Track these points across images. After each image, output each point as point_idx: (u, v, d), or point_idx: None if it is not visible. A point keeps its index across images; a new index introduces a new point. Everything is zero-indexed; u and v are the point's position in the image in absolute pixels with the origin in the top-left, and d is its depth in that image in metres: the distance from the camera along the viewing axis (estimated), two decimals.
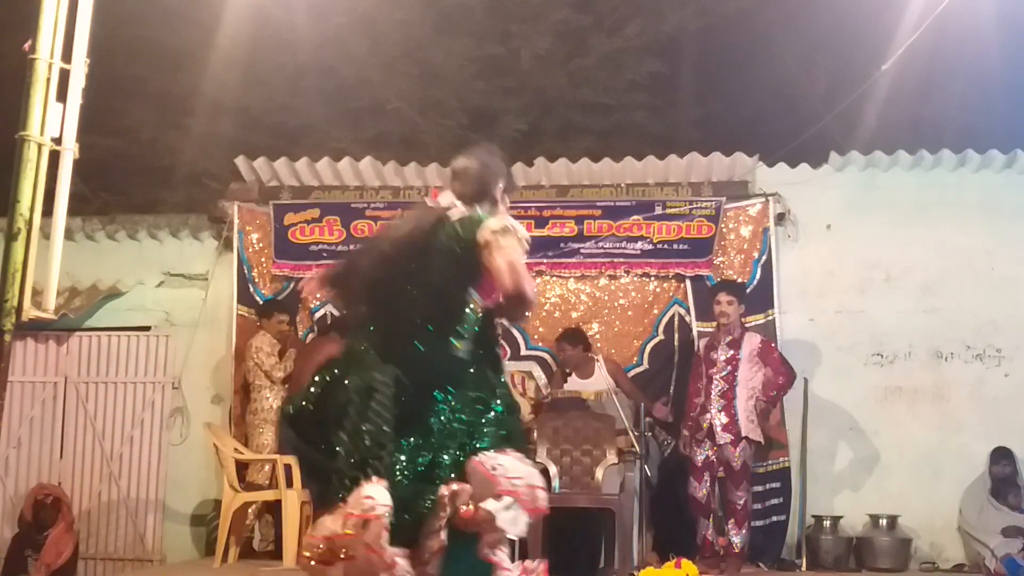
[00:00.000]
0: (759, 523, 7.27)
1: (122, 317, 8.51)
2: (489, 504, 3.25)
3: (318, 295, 7.46)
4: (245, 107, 11.07)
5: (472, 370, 3.47)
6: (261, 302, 8.09)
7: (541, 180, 8.17)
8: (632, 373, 7.77)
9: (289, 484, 7.01)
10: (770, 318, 7.70)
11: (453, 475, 3.31)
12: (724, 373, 6.96)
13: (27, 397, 8.41)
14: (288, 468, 7.05)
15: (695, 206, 7.86)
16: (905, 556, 7.29)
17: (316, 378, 3.53)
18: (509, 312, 3.56)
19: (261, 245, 8.26)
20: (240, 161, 8.39)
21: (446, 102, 11.42)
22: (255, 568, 6.85)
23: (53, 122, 4.92)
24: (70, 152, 5.01)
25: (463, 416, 3.39)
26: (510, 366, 7.43)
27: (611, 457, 6.63)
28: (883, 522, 7.32)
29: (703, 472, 6.90)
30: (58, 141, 4.95)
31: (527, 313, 3.58)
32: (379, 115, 11.28)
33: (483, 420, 3.42)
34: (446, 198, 3.61)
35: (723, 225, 7.86)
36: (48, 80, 4.91)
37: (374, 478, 3.19)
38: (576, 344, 7.30)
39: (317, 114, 11.20)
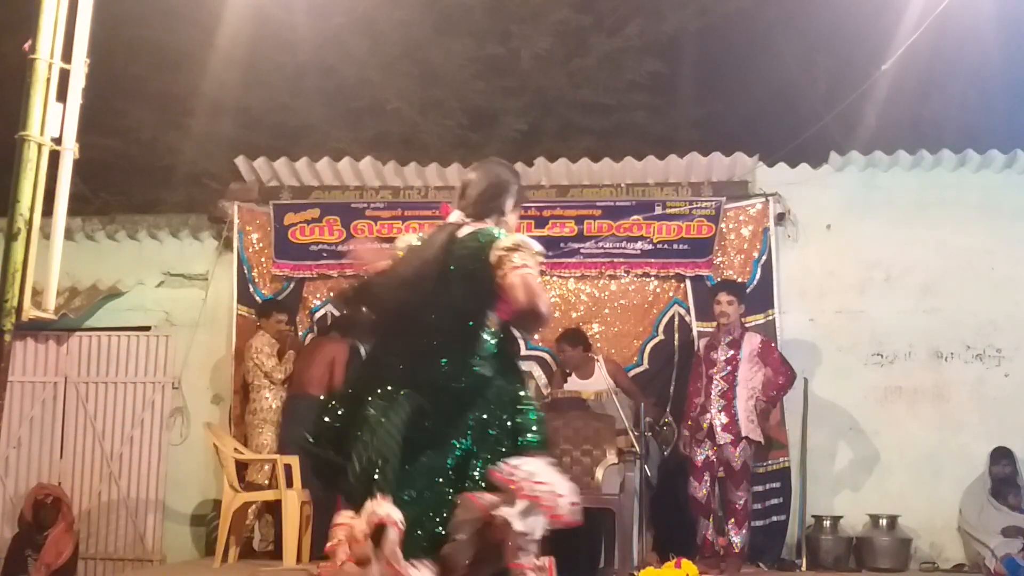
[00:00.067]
0: (759, 523, 7.27)
1: (122, 317, 8.51)
2: (504, 510, 3.25)
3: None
4: (245, 107, 11.08)
5: (496, 384, 3.46)
6: (261, 302, 8.09)
7: (541, 180, 8.17)
8: (632, 373, 7.77)
9: (289, 484, 7.01)
10: (770, 318, 7.70)
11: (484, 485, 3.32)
12: (724, 373, 6.96)
13: (27, 397, 8.41)
14: (288, 468, 7.06)
15: (695, 206, 7.86)
16: (905, 556, 7.29)
17: (334, 400, 3.56)
18: (522, 324, 3.55)
19: (261, 245, 8.26)
20: (240, 161, 8.39)
21: (446, 102, 11.42)
22: (255, 568, 6.85)
23: (53, 122, 4.92)
24: (70, 152, 5.00)
25: (491, 431, 3.39)
26: None
27: (611, 457, 6.63)
28: (883, 522, 7.32)
29: (703, 472, 6.90)
30: (58, 141, 4.95)
31: (541, 327, 3.58)
32: (379, 115, 11.28)
33: (510, 431, 3.41)
34: (456, 215, 3.61)
35: (723, 225, 7.86)
36: (48, 80, 4.91)
37: (379, 495, 3.19)
38: (576, 344, 7.30)
39: (317, 114, 11.20)
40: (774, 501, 7.51)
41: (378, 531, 3.13)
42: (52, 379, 8.46)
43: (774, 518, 7.50)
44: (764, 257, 7.82)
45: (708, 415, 6.91)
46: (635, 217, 7.88)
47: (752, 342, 7.04)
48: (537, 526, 3.30)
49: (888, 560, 7.21)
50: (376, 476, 3.23)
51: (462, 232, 3.52)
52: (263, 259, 8.25)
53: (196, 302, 8.35)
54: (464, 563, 3.25)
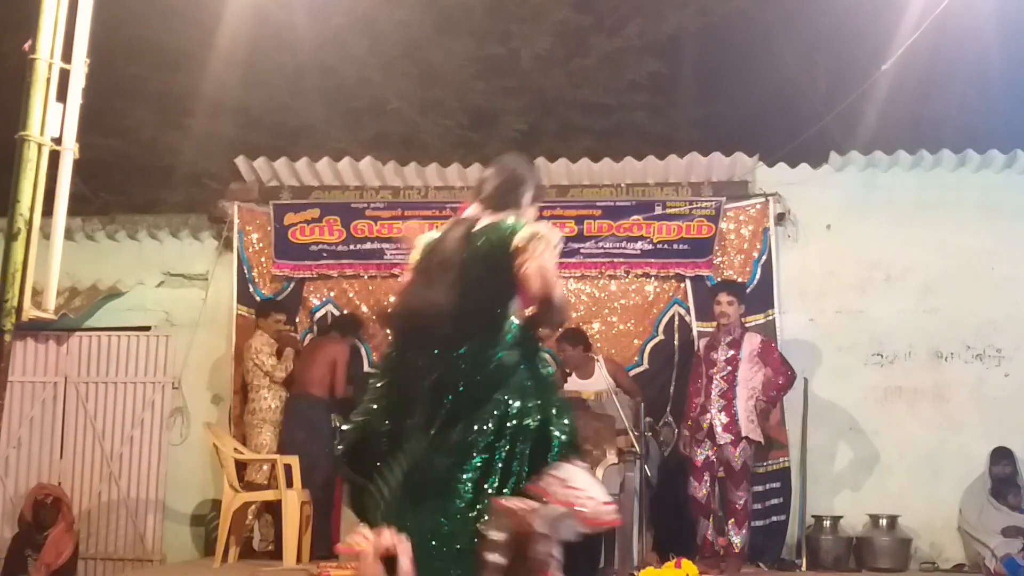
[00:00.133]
0: (759, 523, 7.27)
1: (122, 317, 8.51)
2: (538, 520, 3.25)
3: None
4: (245, 107, 11.08)
5: (523, 379, 3.45)
6: (259, 302, 8.08)
7: (541, 180, 8.15)
8: (632, 373, 7.77)
9: (289, 484, 7.02)
10: (770, 318, 7.70)
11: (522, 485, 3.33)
12: (724, 373, 6.96)
13: (27, 397, 8.40)
14: (288, 468, 7.06)
15: (695, 206, 7.86)
16: (905, 556, 7.29)
17: (359, 418, 3.54)
18: (542, 319, 3.56)
19: (261, 245, 8.26)
20: (240, 161, 8.39)
21: (446, 102, 11.42)
22: (255, 568, 6.85)
23: (53, 122, 4.91)
24: (70, 152, 5.00)
25: (516, 422, 3.37)
26: None
27: (611, 457, 6.62)
28: (883, 522, 7.32)
29: (703, 472, 6.90)
30: (58, 141, 4.95)
31: (560, 320, 3.58)
32: (379, 115, 11.28)
33: (539, 428, 3.40)
34: (473, 209, 3.61)
35: (723, 225, 7.86)
36: (48, 80, 4.91)
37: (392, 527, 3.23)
38: (576, 344, 7.30)
39: (317, 114, 11.21)
40: (774, 501, 7.51)
41: (390, 561, 3.14)
42: (52, 379, 8.46)
43: (774, 518, 7.50)
44: (764, 257, 7.82)
45: (708, 415, 6.91)
46: (635, 217, 7.88)
47: (752, 342, 7.04)
48: (570, 532, 3.32)
49: (888, 560, 7.21)
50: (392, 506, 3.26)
51: (479, 225, 3.53)
52: (263, 259, 8.24)
53: (196, 302, 8.35)
54: None
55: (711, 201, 7.87)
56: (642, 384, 7.68)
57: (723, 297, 7.07)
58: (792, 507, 7.52)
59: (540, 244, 3.39)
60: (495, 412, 3.35)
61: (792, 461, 7.59)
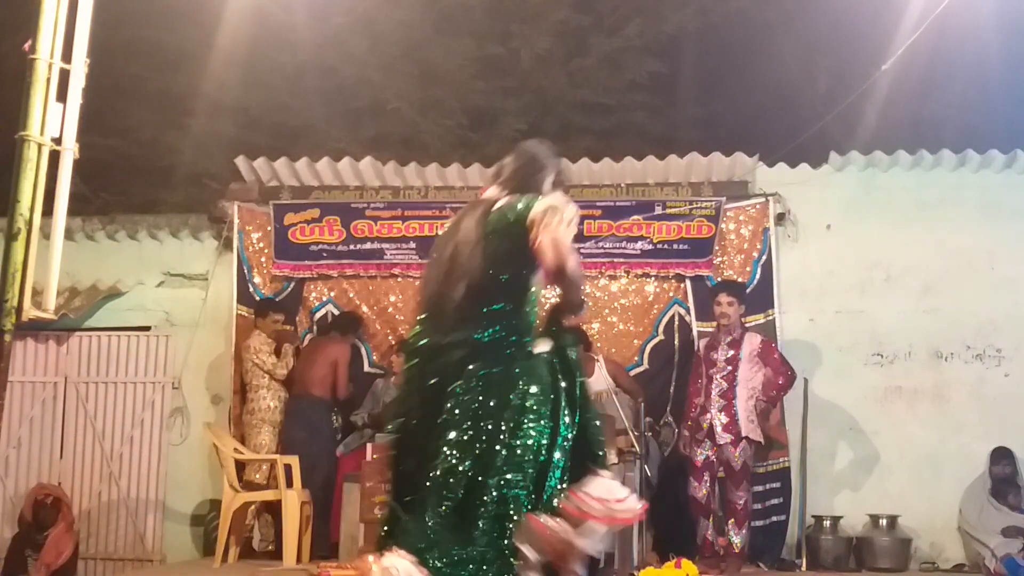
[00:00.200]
0: (759, 523, 7.27)
1: (122, 317, 8.51)
2: (577, 538, 3.30)
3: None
4: (245, 107, 11.08)
5: (541, 361, 3.47)
6: (257, 302, 8.08)
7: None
8: (632, 373, 7.77)
9: (289, 484, 7.02)
10: (770, 318, 7.70)
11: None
12: (724, 373, 6.96)
13: (27, 397, 8.40)
14: (288, 468, 7.06)
15: (695, 206, 7.86)
16: (905, 556, 7.29)
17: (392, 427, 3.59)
18: (566, 304, 3.57)
19: (261, 245, 8.26)
20: (240, 161, 8.39)
21: (446, 102, 11.42)
22: (255, 568, 6.85)
23: (53, 122, 4.91)
24: (70, 152, 5.00)
25: (535, 408, 3.38)
26: None
27: (611, 457, 6.61)
28: (883, 522, 7.32)
29: (703, 472, 6.90)
30: (58, 141, 4.95)
31: (580, 300, 3.56)
32: (379, 115, 11.28)
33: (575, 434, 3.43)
34: (492, 192, 3.61)
35: (723, 225, 7.86)
36: (48, 80, 4.91)
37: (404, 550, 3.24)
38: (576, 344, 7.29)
39: (317, 114, 11.21)
40: (774, 501, 7.51)
41: None
42: (52, 379, 8.46)
43: (774, 518, 7.50)
44: (764, 257, 7.82)
45: (708, 415, 6.91)
46: (635, 217, 7.88)
47: (752, 342, 7.04)
48: (598, 541, 3.38)
49: (888, 560, 7.21)
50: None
51: (498, 205, 3.53)
52: (263, 259, 8.24)
53: (196, 302, 8.35)
54: None
55: (711, 201, 7.87)
56: (642, 384, 7.68)
57: (723, 297, 7.07)
58: (792, 507, 7.52)
59: (555, 216, 3.38)
60: (515, 396, 3.37)
61: (792, 461, 7.59)
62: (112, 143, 10.55)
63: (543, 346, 3.48)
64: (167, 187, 11.12)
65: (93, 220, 8.72)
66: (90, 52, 5.07)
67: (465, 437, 3.29)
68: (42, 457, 8.40)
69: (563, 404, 3.46)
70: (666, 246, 7.84)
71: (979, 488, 7.40)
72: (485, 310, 3.42)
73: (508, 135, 11.36)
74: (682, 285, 7.92)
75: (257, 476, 7.54)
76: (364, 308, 8.22)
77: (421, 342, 3.55)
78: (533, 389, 3.40)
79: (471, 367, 3.37)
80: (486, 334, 3.40)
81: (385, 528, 3.47)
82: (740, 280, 7.68)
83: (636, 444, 6.66)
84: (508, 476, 3.28)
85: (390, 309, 8.23)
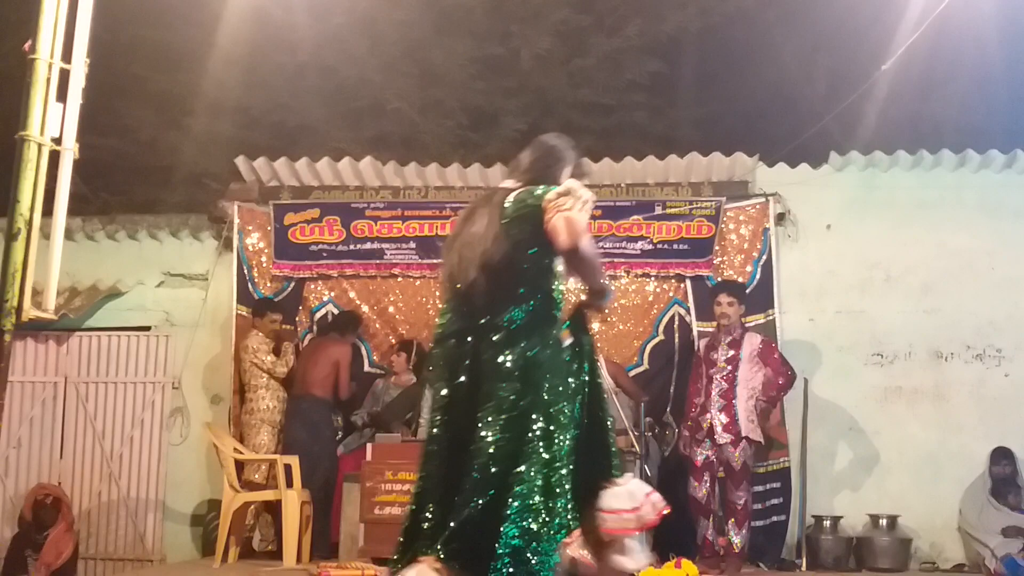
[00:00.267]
0: (759, 523, 7.27)
1: (122, 317, 8.51)
2: (619, 558, 3.34)
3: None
4: (245, 107, 11.08)
5: (563, 351, 3.46)
6: (255, 301, 8.07)
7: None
8: (632, 373, 7.78)
9: (289, 484, 7.02)
10: (770, 318, 7.70)
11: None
12: (724, 373, 6.95)
13: (27, 397, 8.40)
14: (288, 468, 7.06)
15: (695, 206, 7.86)
16: (905, 556, 7.29)
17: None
18: (589, 292, 3.57)
19: (261, 245, 8.26)
20: (240, 161, 8.39)
21: (446, 102, 11.42)
22: (255, 568, 6.84)
23: (53, 122, 4.92)
24: (70, 152, 5.01)
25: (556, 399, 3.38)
26: None
27: None
28: (883, 522, 7.32)
29: (703, 472, 6.90)
30: (58, 141, 4.95)
31: (601, 282, 3.55)
32: (379, 115, 11.28)
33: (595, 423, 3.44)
34: (508, 183, 3.62)
35: (723, 225, 7.86)
36: (48, 80, 4.91)
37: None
38: None
39: (317, 114, 11.21)
40: (774, 501, 7.51)
41: None
42: (52, 379, 8.46)
43: (774, 518, 7.50)
44: (764, 257, 7.82)
45: (708, 415, 6.91)
46: (635, 217, 7.88)
47: (752, 342, 7.04)
48: (637, 552, 3.44)
49: (888, 560, 7.21)
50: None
51: (514, 194, 3.53)
52: (263, 259, 8.25)
53: (196, 302, 8.35)
54: None
55: (711, 201, 7.87)
56: (642, 384, 7.68)
57: (723, 298, 7.07)
58: (792, 507, 7.52)
59: (569, 199, 3.38)
60: (545, 384, 3.36)
61: (792, 461, 7.59)
62: (112, 143, 10.55)
63: (565, 338, 3.49)
64: (167, 187, 11.11)
65: (93, 220, 8.73)
66: (90, 52, 5.08)
67: (502, 422, 3.29)
68: (42, 457, 8.40)
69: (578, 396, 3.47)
70: (666, 246, 7.84)
71: (979, 488, 7.40)
72: (509, 295, 3.42)
73: (508, 135, 11.37)
74: (682, 285, 7.92)
75: (256, 476, 7.54)
76: (364, 308, 8.22)
77: (451, 328, 3.52)
78: (562, 374, 3.42)
79: (503, 349, 3.36)
80: (513, 316, 3.39)
81: (409, 533, 3.42)
82: (740, 280, 7.68)
83: (636, 444, 6.66)
84: (551, 461, 3.29)
85: (390, 309, 8.24)
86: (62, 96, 4.97)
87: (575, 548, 3.27)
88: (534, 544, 3.17)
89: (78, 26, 5.05)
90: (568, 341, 3.51)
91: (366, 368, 8.15)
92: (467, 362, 3.43)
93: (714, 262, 7.79)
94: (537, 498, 3.22)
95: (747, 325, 7.30)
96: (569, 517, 3.29)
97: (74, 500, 8.09)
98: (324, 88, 11.11)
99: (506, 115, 11.61)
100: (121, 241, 8.64)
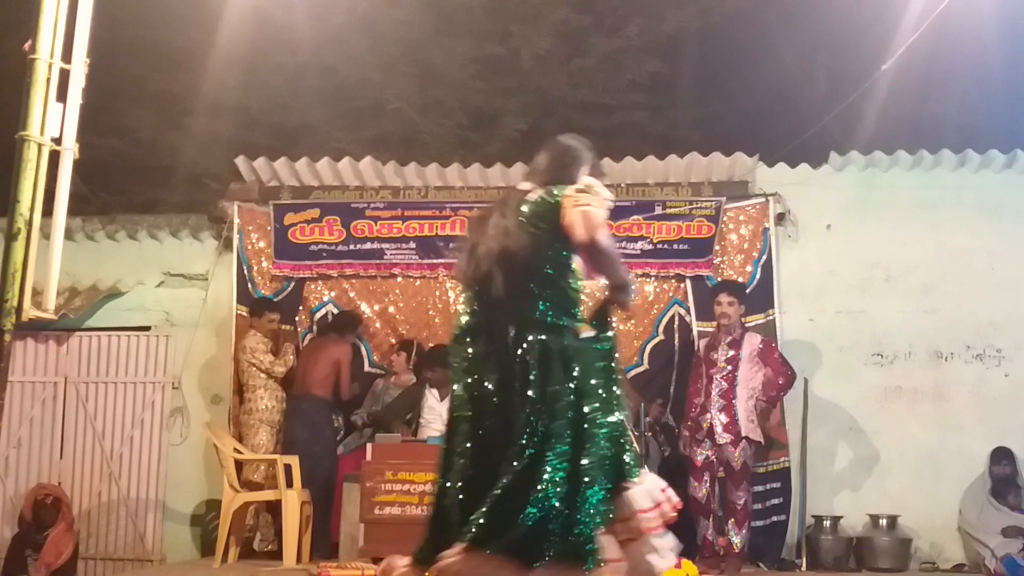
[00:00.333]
0: (759, 523, 7.27)
1: (122, 317, 8.51)
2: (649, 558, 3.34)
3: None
4: (245, 107, 11.08)
5: (589, 348, 3.46)
6: (252, 301, 8.07)
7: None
8: (632, 373, 7.77)
9: (289, 484, 7.01)
10: (770, 318, 7.70)
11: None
12: (724, 373, 6.95)
13: (27, 397, 8.40)
14: (288, 468, 7.06)
15: (695, 206, 7.86)
16: (905, 556, 7.29)
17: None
18: (610, 288, 3.57)
19: (261, 245, 8.26)
20: (240, 161, 8.39)
21: (446, 102, 11.42)
22: (255, 568, 6.84)
23: (53, 122, 4.92)
24: (70, 152, 5.01)
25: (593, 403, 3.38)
26: None
27: None
28: (883, 522, 7.32)
29: (703, 472, 6.90)
30: (58, 141, 4.95)
31: (622, 276, 3.55)
32: (379, 115, 11.28)
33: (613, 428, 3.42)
34: (525, 184, 3.62)
35: (723, 225, 7.86)
36: (48, 80, 4.91)
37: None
38: None
39: (317, 114, 11.20)
40: (774, 501, 7.51)
41: None
42: (52, 379, 8.45)
43: (774, 518, 7.50)
44: (764, 257, 7.82)
45: (708, 415, 6.91)
46: (635, 217, 7.87)
47: (752, 342, 7.04)
48: (664, 550, 3.46)
49: (888, 560, 7.21)
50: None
51: (531, 196, 3.54)
52: (263, 259, 8.24)
53: (196, 302, 8.35)
54: None
55: (711, 201, 7.87)
56: (642, 384, 7.68)
57: (724, 297, 7.07)
58: (792, 507, 7.52)
59: (585, 195, 3.40)
60: (571, 383, 3.35)
61: (792, 461, 7.59)
62: (112, 143, 10.55)
63: (586, 332, 3.49)
64: (167, 187, 11.11)
65: (93, 220, 8.72)
66: (90, 52, 5.08)
67: (533, 414, 3.29)
68: (42, 457, 8.40)
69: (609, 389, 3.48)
70: (666, 246, 7.84)
71: (979, 488, 7.40)
72: (528, 292, 3.43)
73: (508, 135, 11.38)
74: (682, 285, 7.92)
75: (255, 476, 7.54)
76: (364, 308, 8.22)
77: (469, 327, 3.53)
78: (590, 366, 3.42)
79: (526, 344, 3.37)
80: (535, 313, 3.41)
81: (437, 526, 3.41)
82: (740, 280, 7.68)
83: (636, 444, 6.66)
84: (584, 453, 3.30)
85: (390, 309, 8.24)
86: (62, 96, 4.97)
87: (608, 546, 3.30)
88: (568, 525, 3.20)
89: (78, 26, 5.05)
90: (590, 334, 3.50)
91: (366, 368, 8.15)
92: (488, 360, 3.42)
93: (714, 262, 7.79)
94: (566, 486, 3.23)
95: (747, 325, 7.30)
96: (604, 508, 3.29)
97: (74, 500, 8.09)
98: (324, 88, 11.11)
99: (506, 115, 11.61)
100: (121, 241, 8.64)
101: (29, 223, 4.80)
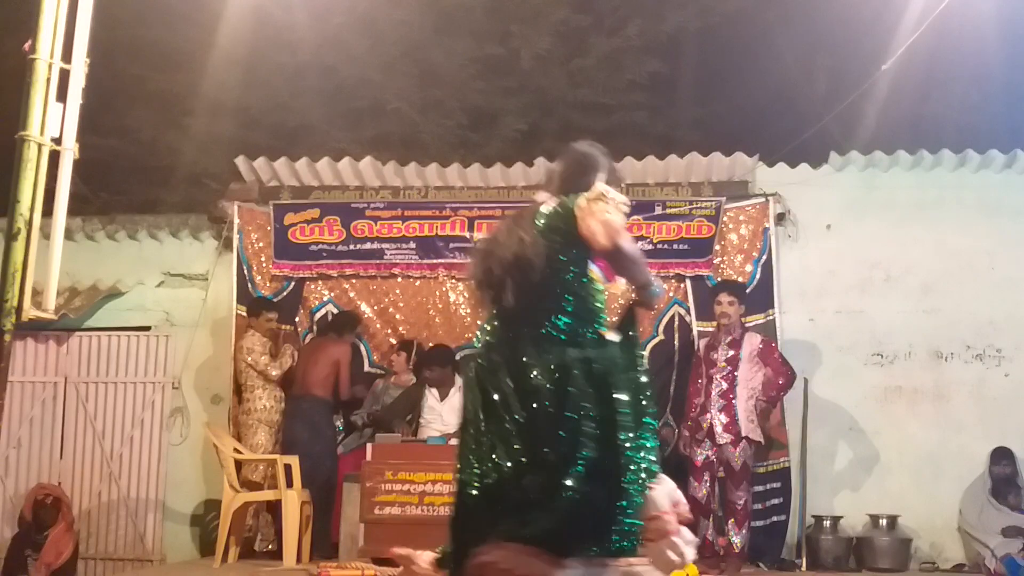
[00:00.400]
0: (759, 523, 7.26)
1: (122, 317, 8.51)
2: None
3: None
4: (245, 107, 11.08)
5: (611, 355, 3.44)
6: (250, 301, 8.06)
7: (541, 180, 8.13)
8: None
9: (289, 484, 7.01)
10: (770, 318, 7.70)
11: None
12: (724, 373, 6.95)
13: (27, 397, 8.40)
14: (288, 468, 7.06)
15: (695, 206, 7.86)
16: (905, 556, 7.29)
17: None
18: (637, 291, 3.56)
19: (261, 245, 8.26)
20: (240, 161, 8.39)
21: (446, 102, 11.42)
22: (255, 568, 6.85)
23: (53, 122, 4.92)
24: (70, 152, 5.01)
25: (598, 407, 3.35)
26: None
27: None
28: (883, 522, 7.32)
29: (703, 472, 6.90)
30: (58, 141, 4.96)
31: (647, 278, 3.52)
32: (379, 115, 11.28)
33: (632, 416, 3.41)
34: (541, 196, 3.61)
35: (723, 225, 7.86)
36: (48, 80, 4.91)
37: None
38: None
39: (317, 114, 11.21)
40: (774, 501, 7.51)
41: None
42: (52, 379, 8.45)
43: (774, 518, 7.50)
44: (764, 257, 7.81)
45: (708, 415, 6.91)
46: (635, 217, 7.85)
47: (752, 342, 7.04)
48: (683, 550, 3.49)
49: (888, 560, 7.21)
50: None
51: (545, 206, 3.52)
52: (263, 259, 8.24)
53: (196, 302, 8.35)
54: None
55: (711, 201, 7.87)
56: None
57: (724, 297, 7.07)
58: (792, 507, 7.52)
59: (601, 203, 3.37)
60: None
61: (792, 461, 7.58)
62: (112, 143, 10.55)
63: (612, 336, 3.49)
64: (167, 187, 11.12)
65: (93, 220, 8.72)
66: (90, 52, 5.09)
67: (559, 422, 3.28)
68: (42, 457, 8.39)
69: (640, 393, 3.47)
70: (666, 246, 7.83)
71: (979, 488, 7.40)
72: (547, 303, 3.41)
73: (508, 135, 11.39)
74: (682, 285, 7.92)
75: (254, 475, 7.54)
76: (364, 308, 8.22)
77: (489, 341, 3.50)
78: (618, 372, 3.41)
79: (550, 354, 3.35)
80: (556, 323, 3.39)
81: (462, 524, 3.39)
82: (740, 280, 7.68)
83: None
84: (614, 458, 3.31)
85: (390, 309, 8.23)
86: (62, 96, 4.98)
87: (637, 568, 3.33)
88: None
89: (78, 26, 5.05)
90: (616, 338, 3.49)
91: (366, 368, 8.15)
92: (506, 372, 3.39)
93: (714, 262, 7.79)
94: (599, 484, 3.25)
95: (747, 325, 7.29)
96: (637, 505, 3.30)
97: (74, 500, 8.09)
98: (324, 88, 11.12)
99: (506, 115, 11.61)
100: (121, 241, 8.64)
101: (29, 223, 4.80)
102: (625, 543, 3.26)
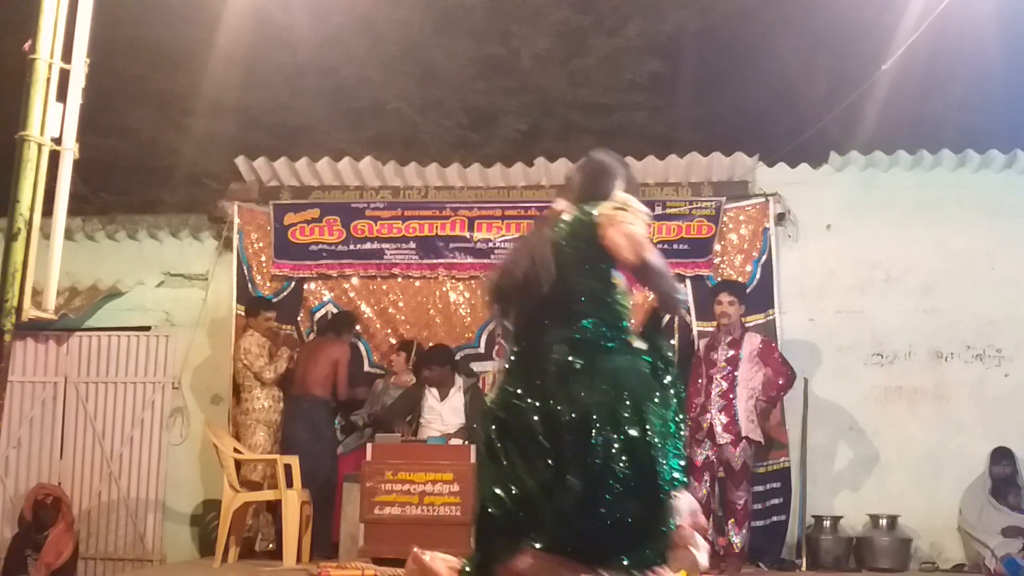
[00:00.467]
0: (759, 523, 7.27)
1: (122, 317, 8.51)
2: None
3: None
4: (245, 107, 11.07)
5: (635, 364, 3.40)
6: (249, 301, 8.06)
7: (541, 180, 8.16)
8: None
9: (289, 484, 7.01)
10: (770, 318, 7.70)
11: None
12: (724, 373, 6.96)
13: (27, 397, 8.40)
14: (288, 468, 7.06)
15: (695, 206, 7.86)
16: (905, 556, 7.29)
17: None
18: (660, 300, 3.54)
19: (261, 245, 8.26)
20: (240, 161, 8.39)
21: (446, 102, 11.42)
22: (255, 568, 6.85)
23: (53, 122, 4.92)
24: (70, 152, 5.01)
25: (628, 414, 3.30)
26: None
27: None
28: (883, 522, 7.32)
29: (703, 472, 6.90)
30: (58, 141, 4.96)
31: (671, 289, 3.50)
32: (379, 115, 11.28)
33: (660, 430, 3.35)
34: (560, 204, 3.61)
35: (723, 225, 7.86)
36: (48, 80, 4.92)
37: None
38: None
39: (317, 114, 11.20)
40: (774, 501, 7.51)
41: None
42: (52, 379, 8.46)
43: (774, 518, 7.50)
44: (764, 257, 7.82)
45: (708, 415, 6.91)
46: None
47: (752, 342, 7.04)
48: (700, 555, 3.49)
49: (888, 560, 7.21)
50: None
51: (567, 216, 3.51)
52: (263, 259, 8.24)
53: (196, 302, 8.35)
54: None
55: (711, 201, 7.87)
56: None
57: (724, 297, 7.07)
58: (792, 507, 7.52)
59: (623, 214, 3.36)
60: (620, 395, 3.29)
61: (792, 461, 7.59)
62: (112, 143, 10.55)
63: (638, 344, 3.47)
64: (167, 187, 11.11)
65: (93, 220, 8.73)
66: (90, 52, 5.09)
67: (587, 430, 3.22)
68: (42, 457, 8.40)
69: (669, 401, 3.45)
70: (666, 246, 7.80)
71: (979, 488, 7.40)
72: (570, 311, 3.39)
73: (508, 135, 11.38)
74: (682, 285, 7.91)
75: (253, 475, 7.54)
76: (364, 308, 8.22)
77: (519, 347, 3.48)
78: (645, 380, 3.38)
79: (576, 364, 3.31)
80: (580, 331, 3.36)
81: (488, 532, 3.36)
82: (740, 280, 7.68)
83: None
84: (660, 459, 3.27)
85: (390, 309, 8.23)
86: (62, 96, 4.98)
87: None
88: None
89: (78, 26, 5.05)
90: (642, 346, 3.48)
91: (366, 368, 8.15)
92: (534, 385, 3.35)
93: (714, 262, 7.79)
94: (633, 493, 3.20)
95: (747, 325, 7.30)
96: (670, 514, 3.28)
97: (74, 500, 8.09)
98: (324, 88, 11.11)
99: (506, 115, 11.61)
100: (121, 241, 8.65)
101: (29, 223, 4.80)
102: (656, 555, 3.24)
